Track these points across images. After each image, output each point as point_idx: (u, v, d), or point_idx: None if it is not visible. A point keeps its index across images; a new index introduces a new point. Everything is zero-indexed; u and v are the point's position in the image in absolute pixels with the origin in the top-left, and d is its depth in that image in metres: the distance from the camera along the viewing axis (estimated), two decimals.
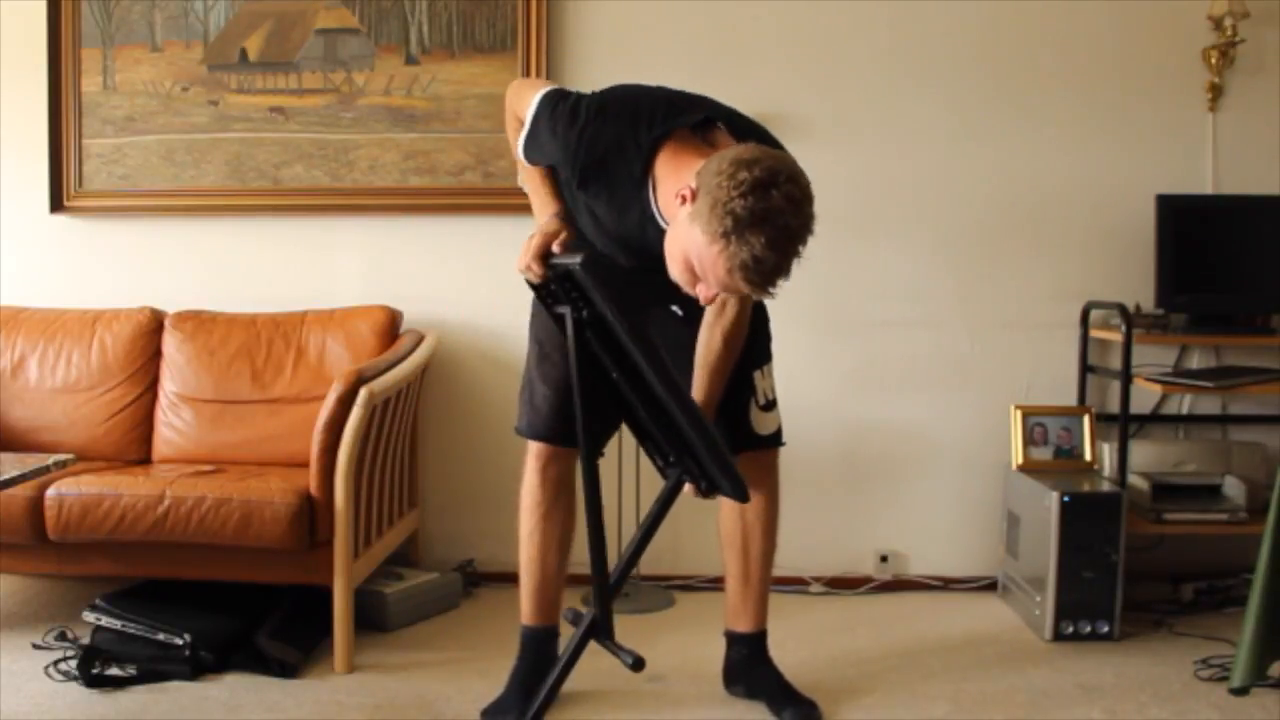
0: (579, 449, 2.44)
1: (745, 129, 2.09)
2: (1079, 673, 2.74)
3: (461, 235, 3.46)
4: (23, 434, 3.24)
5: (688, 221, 1.88)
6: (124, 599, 2.84)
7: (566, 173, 2.12)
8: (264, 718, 2.47)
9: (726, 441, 2.41)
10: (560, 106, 2.10)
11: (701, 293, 1.93)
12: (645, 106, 2.06)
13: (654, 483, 3.39)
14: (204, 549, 2.74)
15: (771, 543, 2.54)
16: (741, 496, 2.09)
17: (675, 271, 1.96)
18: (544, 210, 2.18)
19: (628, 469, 3.29)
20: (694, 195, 1.87)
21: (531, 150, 2.17)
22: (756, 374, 2.42)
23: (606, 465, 2.75)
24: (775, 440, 2.49)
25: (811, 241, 1.88)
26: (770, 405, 2.46)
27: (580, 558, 2.76)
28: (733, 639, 2.60)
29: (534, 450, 2.47)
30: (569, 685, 2.53)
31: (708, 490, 2.12)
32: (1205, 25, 3.28)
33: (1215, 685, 2.63)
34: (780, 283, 1.89)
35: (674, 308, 2.41)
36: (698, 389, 2.27)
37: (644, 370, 1.94)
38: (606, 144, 2.04)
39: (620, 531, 3.32)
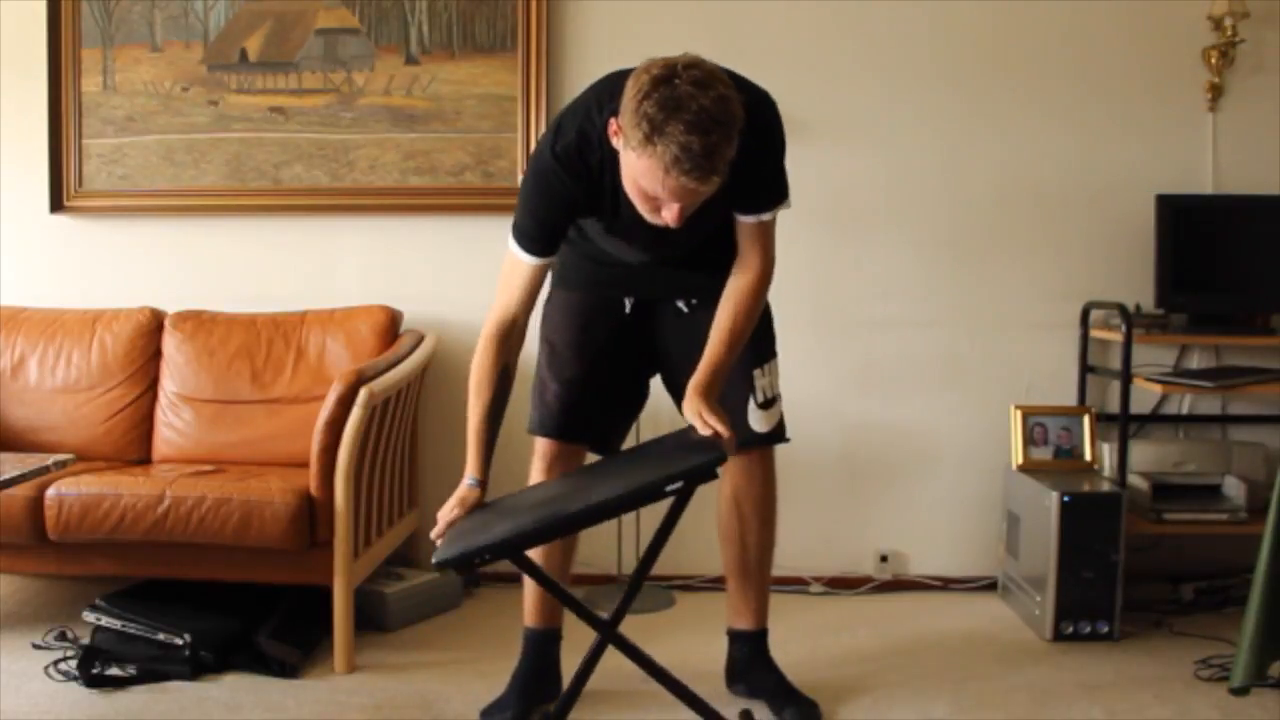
0: (585, 447, 2.46)
1: None
2: (1079, 672, 2.74)
3: (461, 235, 3.46)
4: (23, 434, 3.24)
5: (624, 150, 1.94)
6: (124, 599, 2.84)
7: (584, 206, 2.16)
8: (264, 718, 2.47)
9: None
10: (526, 185, 2.19)
11: (666, 216, 1.97)
12: (592, 97, 2.13)
13: None
14: (204, 549, 2.74)
15: (769, 537, 2.54)
16: (719, 460, 1.99)
17: (640, 207, 2.01)
18: (467, 469, 2.21)
19: None
20: (620, 127, 1.93)
21: (538, 236, 2.19)
22: (756, 372, 2.42)
23: None
24: (773, 438, 2.48)
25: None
26: (769, 403, 2.45)
27: (583, 557, 2.77)
28: (734, 637, 2.60)
29: (540, 448, 2.46)
30: (568, 685, 2.54)
31: (697, 480, 2.00)
32: (1205, 25, 3.28)
33: (1215, 685, 2.63)
34: (721, 168, 1.89)
35: (679, 303, 2.41)
36: (707, 353, 2.22)
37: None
38: (578, 143, 2.09)
39: (620, 529, 3.33)
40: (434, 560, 2.01)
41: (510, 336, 2.25)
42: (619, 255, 2.34)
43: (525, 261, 2.21)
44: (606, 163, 2.08)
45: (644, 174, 1.93)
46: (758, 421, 2.43)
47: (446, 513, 2.14)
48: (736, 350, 2.24)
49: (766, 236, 2.25)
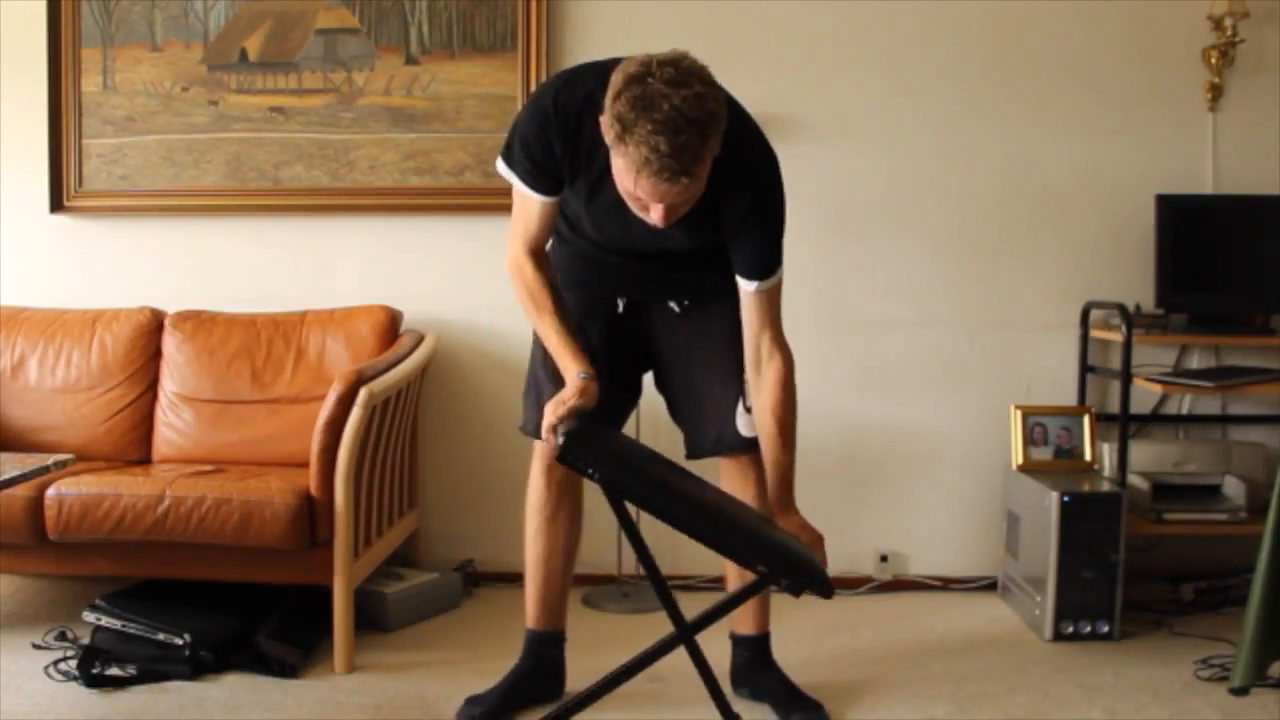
0: None
1: None
2: (1079, 673, 2.74)
3: (461, 235, 3.46)
4: (23, 434, 3.24)
5: (612, 152, 1.92)
6: (124, 599, 2.84)
7: (565, 167, 2.13)
8: (264, 718, 2.47)
9: (711, 442, 2.42)
10: (523, 115, 2.15)
11: (653, 216, 1.95)
12: (582, 75, 2.11)
13: None
14: (204, 549, 2.73)
15: None
16: (823, 591, 1.98)
17: (631, 205, 1.99)
18: (568, 368, 2.15)
19: None
20: (604, 125, 1.91)
21: (529, 170, 2.15)
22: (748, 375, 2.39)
23: None
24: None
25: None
26: None
27: (582, 557, 2.77)
28: (737, 641, 2.60)
29: (540, 451, 2.45)
30: (570, 685, 2.54)
31: (791, 590, 2.00)
32: (1205, 25, 3.28)
33: (1215, 685, 2.63)
34: (694, 169, 1.85)
35: (671, 303, 2.41)
36: (769, 465, 2.24)
37: (672, 515, 1.98)
38: (581, 104, 2.06)
39: (620, 531, 3.32)
40: (560, 437, 1.96)
41: (539, 258, 2.23)
42: (607, 246, 2.32)
43: (532, 198, 2.18)
44: (600, 140, 2.00)
45: (621, 173, 1.92)
46: (745, 426, 2.39)
47: (568, 397, 2.06)
48: (794, 446, 2.24)
49: (774, 310, 2.23)
